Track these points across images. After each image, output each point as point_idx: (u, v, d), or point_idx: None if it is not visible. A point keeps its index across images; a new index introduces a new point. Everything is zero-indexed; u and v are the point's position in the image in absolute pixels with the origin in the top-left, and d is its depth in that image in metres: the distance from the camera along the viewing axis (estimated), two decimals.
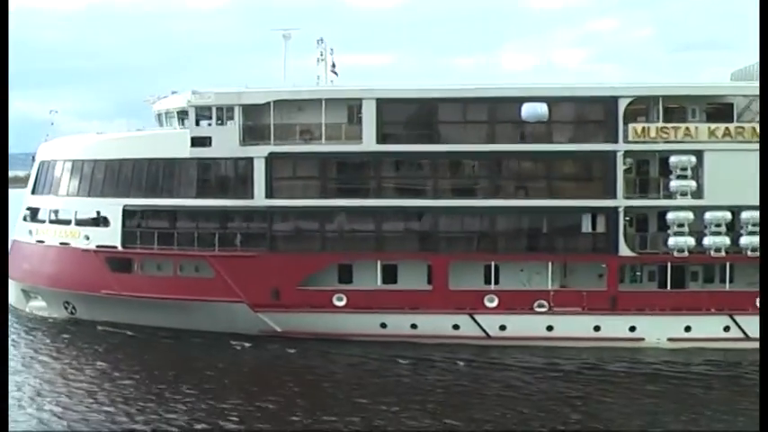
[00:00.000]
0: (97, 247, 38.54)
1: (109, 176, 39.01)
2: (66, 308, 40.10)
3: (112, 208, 38.51)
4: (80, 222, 40.09)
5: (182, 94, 38.64)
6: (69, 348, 35.55)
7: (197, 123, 38.23)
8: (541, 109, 36.24)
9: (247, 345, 35.63)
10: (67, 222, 40.68)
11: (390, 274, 37.37)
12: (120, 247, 38.25)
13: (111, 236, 38.46)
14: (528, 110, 36.25)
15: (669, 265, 36.44)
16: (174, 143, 37.82)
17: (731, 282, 36.98)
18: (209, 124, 38.13)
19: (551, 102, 36.56)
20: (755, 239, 36.13)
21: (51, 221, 41.49)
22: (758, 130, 36.08)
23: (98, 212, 39.04)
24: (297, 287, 36.55)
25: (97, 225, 39.31)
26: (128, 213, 38.31)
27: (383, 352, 34.90)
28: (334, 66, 41.05)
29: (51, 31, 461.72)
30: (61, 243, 40.14)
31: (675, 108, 37.78)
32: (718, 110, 37.46)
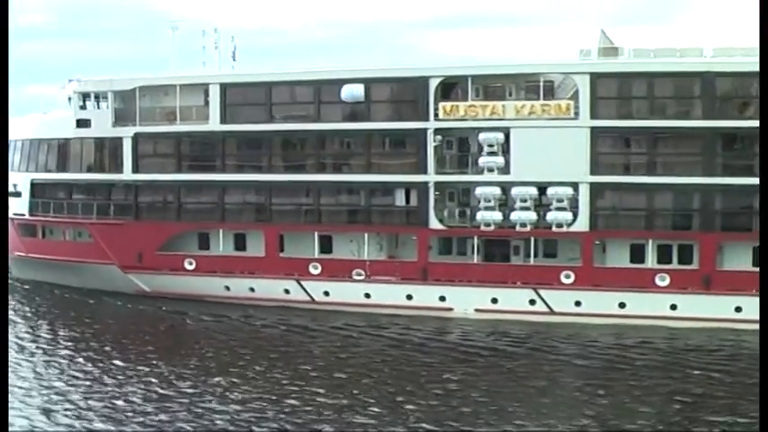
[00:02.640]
0: (14, 214, 45.53)
1: (24, 154, 45.60)
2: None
3: (24, 181, 45.17)
4: (13, 194, 47.22)
5: (75, 82, 44.34)
6: None
7: (84, 107, 43.88)
8: (357, 90, 38.62)
9: (119, 302, 41.34)
10: (14, 195, 48.02)
11: (241, 242, 41.69)
12: (27, 216, 45.05)
13: (22, 206, 45.24)
14: (346, 91, 38.77)
15: (476, 238, 38.24)
16: (66, 125, 43.61)
17: (552, 257, 38.26)
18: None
19: (370, 83, 38.84)
20: (560, 215, 37.15)
21: (9, 194, 49.02)
22: (564, 107, 36.77)
23: (14, 185, 45.88)
24: (156, 252, 41.75)
25: (18, 196, 46.31)
26: (34, 186, 44.82)
27: (228, 312, 39.27)
28: (234, 54, 45.07)
29: None
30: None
31: (497, 86, 38.81)
32: (538, 87, 38.01)
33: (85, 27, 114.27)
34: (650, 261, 36.74)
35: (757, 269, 35.01)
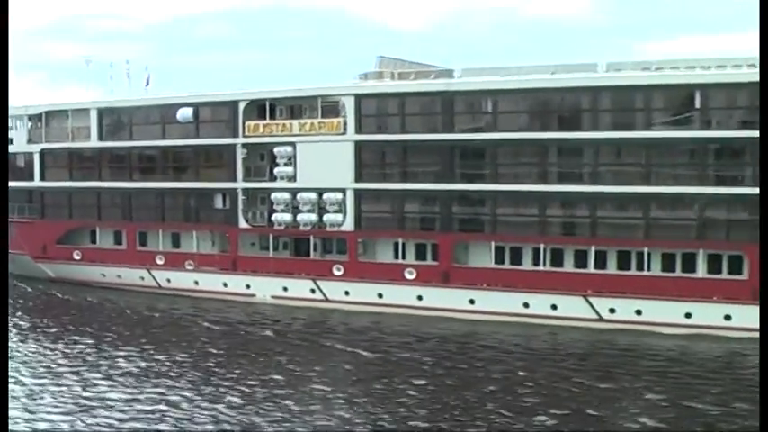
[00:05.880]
0: None
1: None
2: None
3: None
4: None
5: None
6: None
7: (14, 128, 54.28)
8: (188, 113, 46.48)
9: (28, 286, 51.17)
10: None
11: (118, 238, 50.54)
12: None
13: None
14: (180, 114, 46.73)
15: (271, 236, 45.08)
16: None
17: (343, 252, 44.23)
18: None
19: (198, 106, 46.60)
20: (333, 217, 43.37)
21: None
22: (335, 125, 42.89)
23: None
24: (55, 245, 51.38)
25: None
26: None
27: (104, 295, 48.33)
28: (148, 81, 54.12)
29: None
30: None
31: (298, 106, 45.29)
32: (331, 107, 44.12)
33: (265, 37, 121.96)
34: (404, 258, 42.20)
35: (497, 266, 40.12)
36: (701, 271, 37.41)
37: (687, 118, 37.51)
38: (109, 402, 27.12)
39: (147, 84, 53.22)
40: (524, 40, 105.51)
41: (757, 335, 35.02)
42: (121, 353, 33.88)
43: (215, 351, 34.40)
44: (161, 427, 24.88)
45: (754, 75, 36.24)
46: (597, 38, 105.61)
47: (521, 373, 30.21)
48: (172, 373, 30.82)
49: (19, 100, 53.65)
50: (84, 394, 28.09)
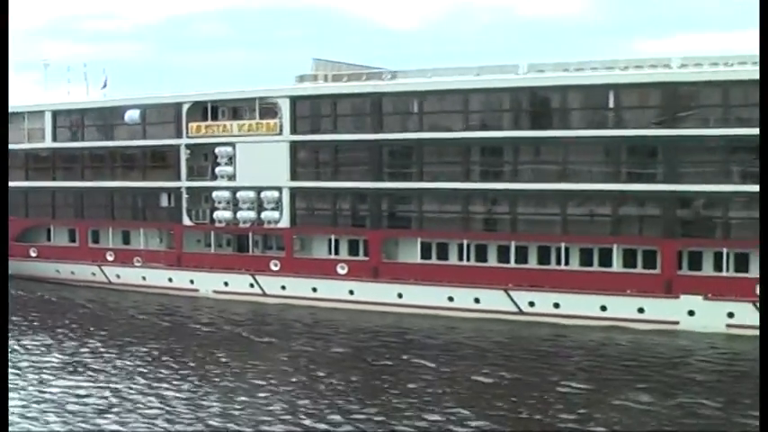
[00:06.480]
0: None
1: None
2: None
3: None
4: None
5: None
6: None
7: None
8: (135, 115, 48.05)
9: None
10: None
11: (72, 236, 52.12)
12: None
13: None
14: (127, 116, 48.30)
15: (213, 233, 46.66)
16: None
17: (282, 249, 45.76)
18: None
19: (146, 108, 48.13)
20: (270, 214, 44.89)
21: None
22: (272, 125, 44.37)
23: None
24: (14, 242, 52.95)
25: None
26: None
27: (58, 292, 49.92)
28: (105, 83, 55.64)
29: None
30: None
31: (243, 107, 46.74)
32: (269, 108, 45.58)
33: (261, 37, 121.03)
34: (337, 253, 43.67)
35: (424, 261, 41.57)
36: (617, 265, 38.75)
37: (603, 117, 38.94)
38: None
39: (105, 86, 54.83)
40: (523, 39, 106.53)
41: (668, 327, 36.76)
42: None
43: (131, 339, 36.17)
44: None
45: (665, 75, 37.73)
46: (594, 36, 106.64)
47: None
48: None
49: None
50: None
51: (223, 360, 32.31)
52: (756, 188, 35.50)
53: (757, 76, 35.91)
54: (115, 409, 25.76)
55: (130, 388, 28.08)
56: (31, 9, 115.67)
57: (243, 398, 26.86)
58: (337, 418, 24.73)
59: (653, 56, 40.65)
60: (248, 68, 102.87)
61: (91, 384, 28.65)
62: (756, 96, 36.79)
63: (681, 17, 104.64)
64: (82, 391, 27.68)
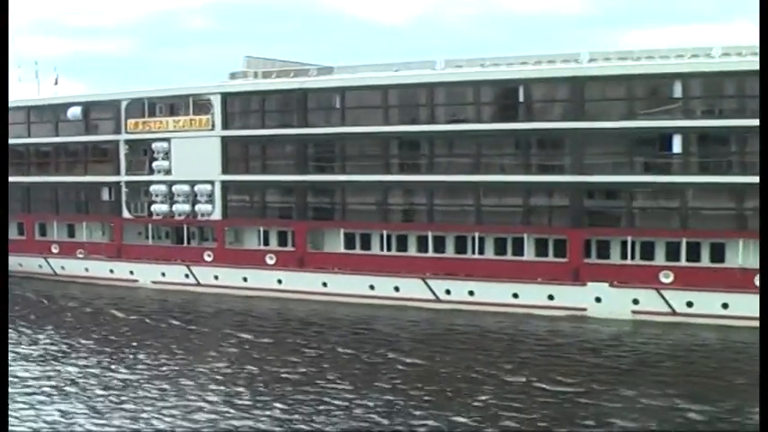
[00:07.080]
0: None
1: None
2: None
3: None
4: None
5: None
6: None
7: None
8: (77, 111, 49.64)
9: None
10: None
11: (21, 229, 53.64)
12: None
13: None
14: (70, 113, 49.89)
15: (150, 226, 48.27)
16: None
17: (214, 240, 47.38)
18: None
19: (88, 105, 49.71)
20: (203, 207, 46.49)
21: None
22: (204, 121, 45.91)
23: None
24: None
25: None
26: None
27: (24, 283, 51.31)
28: (56, 80, 57.22)
29: None
30: None
31: (175, 104, 48.28)
32: (203, 105, 47.10)
33: (249, 31, 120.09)
34: (267, 245, 45.25)
35: (347, 251, 43.12)
36: (528, 254, 40.26)
37: (514, 111, 40.44)
38: None
39: (56, 83, 56.39)
40: (513, 32, 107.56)
41: (576, 313, 38.25)
42: None
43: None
44: None
45: (572, 70, 39.22)
46: (584, 28, 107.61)
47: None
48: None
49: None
50: None
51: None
52: (659, 178, 37.44)
53: (654, 70, 37.93)
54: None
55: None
56: (16, 6, 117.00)
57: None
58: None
59: (639, 48, 41.74)
60: (234, 63, 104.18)
61: None
62: (653, 89, 39.04)
63: (672, 9, 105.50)
64: None
